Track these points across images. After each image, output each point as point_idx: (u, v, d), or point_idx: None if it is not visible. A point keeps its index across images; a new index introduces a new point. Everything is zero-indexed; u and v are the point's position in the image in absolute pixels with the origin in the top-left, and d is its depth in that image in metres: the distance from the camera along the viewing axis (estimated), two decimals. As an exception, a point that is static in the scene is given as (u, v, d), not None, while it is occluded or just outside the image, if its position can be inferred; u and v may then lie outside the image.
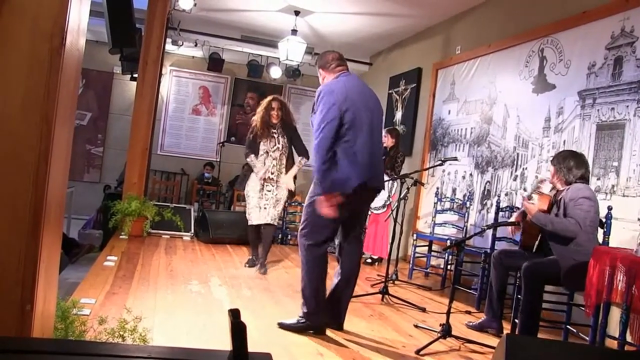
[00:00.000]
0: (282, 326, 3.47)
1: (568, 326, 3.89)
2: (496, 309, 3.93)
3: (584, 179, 3.68)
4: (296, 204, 7.66)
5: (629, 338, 3.05)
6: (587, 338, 3.58)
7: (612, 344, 3.27)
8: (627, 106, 4.07)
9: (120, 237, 6.12)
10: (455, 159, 5.12)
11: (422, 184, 6.37)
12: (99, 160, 10.25)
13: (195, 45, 9.35)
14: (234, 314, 0.95)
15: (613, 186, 4.11)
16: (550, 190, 3.96)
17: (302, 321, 3.43)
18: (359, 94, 3.42)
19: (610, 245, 3.63)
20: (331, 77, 3.52)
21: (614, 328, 3.28)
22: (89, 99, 10.07)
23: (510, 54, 5.56)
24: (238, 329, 0.94)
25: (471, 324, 4.05)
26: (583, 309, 3.59)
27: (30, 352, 0.85)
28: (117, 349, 0.97)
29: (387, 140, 6.28)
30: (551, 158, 3.89)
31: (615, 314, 3.22)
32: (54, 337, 1.92)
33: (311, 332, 3.42)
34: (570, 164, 3.66)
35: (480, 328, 3.97)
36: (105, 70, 10.04)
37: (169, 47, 8.83)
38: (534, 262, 3.57)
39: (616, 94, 4.18)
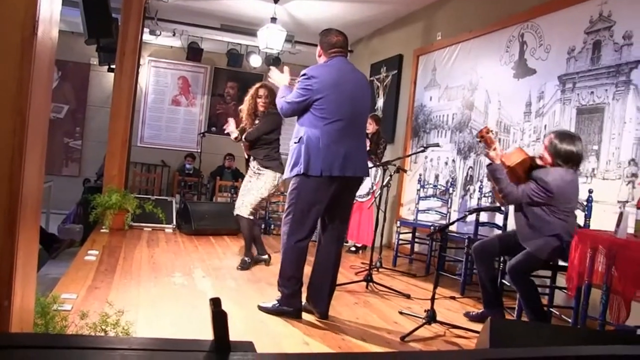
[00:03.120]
0: (261, 309, 3.60)
1: (551, 309, 3.93)
2: (493, 299, 3.87)
3: (570, 162, 3.54)
4: (279, 193, 7.63)
5: (609, 318, 3.10)
6: (570, 320, 3.62)
7: (594, 325, 3.31)
8: (606, 90, 4.10)
9: (101, 230, 6.05)
10: (437, 144, 5.13)
11: (405, 171, 6.37)
12: (78, 154, 10.12)
13: (174, 35, 9.25)
14: (215, 303, 0.93)
15: (593, 169, 4.14)
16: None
17: (277, 305, 3.55)
18: (344, 81, 3.45)
19: (591, 227, 3.66)
20: (324, 59, 3.56)
21: (595, 309, 3.31)
22: (66, 91, 9.92)
23: (491, 40, 5.57)
24: (219, 318, 0.92)
25: (472, 314, 4.00)
26: (565, 291, 3.64)
27: (6, 347, 0.83)
28: (98, 342, 0.95)
29: (370, 126, 6.26)
30: (550, 135, 3.64)
31: (597, 295, 3.25)
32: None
33: (288, 315, 3.50)
34: (563, 145, 3.52)
35: (480, 319, 3.92)
36: (81, 61, 9.89)
37: (146, 37, 8.72)
38: (517, 262, 3.52)
39: (595, 78, 4.21)
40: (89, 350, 0.88)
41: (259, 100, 4.97)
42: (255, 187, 4.96)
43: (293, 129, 3.55)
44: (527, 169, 3.59)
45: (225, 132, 5.28)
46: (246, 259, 5.04)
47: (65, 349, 0.90)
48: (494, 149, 3.67)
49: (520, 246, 3.62)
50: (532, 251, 3.52)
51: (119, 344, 0.90)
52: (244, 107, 5.06)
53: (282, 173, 4.99)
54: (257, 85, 5.09)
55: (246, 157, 5.18)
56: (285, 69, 3.80)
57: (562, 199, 3.45)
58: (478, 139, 3.77)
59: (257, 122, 5.01)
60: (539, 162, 3.63)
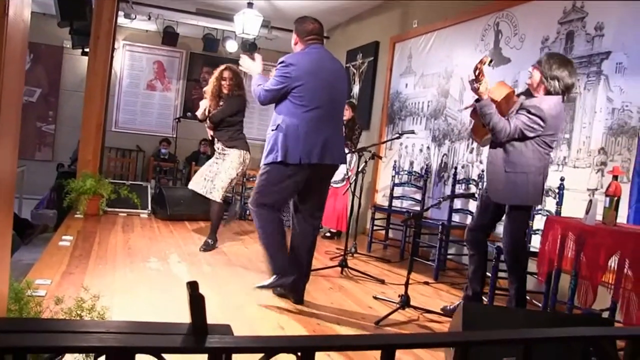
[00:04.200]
0: (262, 287, 3.56)
1: (522, 293, 4.01)
2: (479, 291, 3.72)
3: (565, 92, 3.39)
4: (254, 179, 7.62)
5: (577, 302, 3.18)
6: (540, 304, 3.72)
7: (563, 309, 3.40)
8: (578, 80, 4.16)
9: (76, 216, 5.99)
10: (412, 132, 5.16)
11: (380, 158, 6.42)
12: (51, 138, 9.95)
13: (149, 19, 9.11)
14: (192, 287, 0.95)
15: (564, 158, 4.22)
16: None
17: (277, 277, 3.51)
18: (322, 69, 3.45)
19: (562, 214, 3.75)
20: (301, 46, 3.55)
21: (564, 294, 3.41)
22: (38, 74, 9.72)
23: (467, 28, 5.61)
24: (196, 301, 0.94)
25: (450, 307, 3.75)
26: (536, 277, 3.72)
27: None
28: (74, 325, 0.96)
29: (345, 113, 6.27)
30: (538, 60, 3.47)
31: (566, 281, 3.34)
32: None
33: (285, 288, 3.56)
34: (563, 73, 3.32)
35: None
36: (54, 44, 9.68)
37: (121, 20, 8.57)
38: (508, 243, 3.45)
39: (568, 68, 4.27)
40: (66, 333, 0.89)
41: (223, 82, 4.99)
42: (223, 168, 4.99)
43: (268, 114, 3.54)
44: (510, 103, 3.46)
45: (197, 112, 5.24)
46: (209, 241, 5.11)
47: (41, 332, 0.91)
48: (485, 83, 3.45)
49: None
50: (513, 208, 3.41)
51: (96, 328, 0.91)
52: (208, 89, 5.07)
53: (248, 150, 5.06)
54: (222, 67, 5.08)
55: (210, 138, 5.20)
56: (257, 56, 3.76)
57: (551, 130, 3.32)
58: (475, 69, 3.47)
59: (221, 104, 5.02)
60: (531, 88, 3.45)
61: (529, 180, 3.35)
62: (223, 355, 0.91)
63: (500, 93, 3.42)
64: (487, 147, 3.62)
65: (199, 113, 5.15)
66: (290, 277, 3.51)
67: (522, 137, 3.33)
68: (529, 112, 3.29)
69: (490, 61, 3.47)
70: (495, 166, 3.47)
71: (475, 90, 3.49)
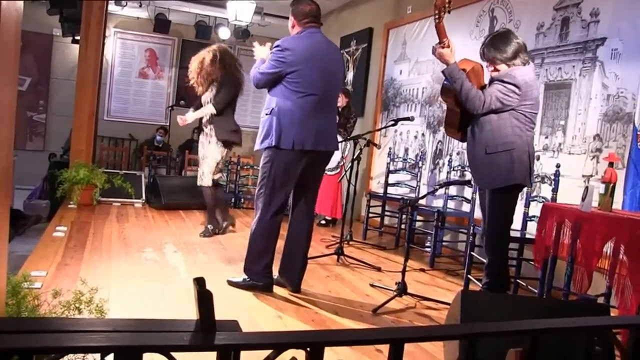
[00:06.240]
0: (230, 283, 3.61)
1: (518, 280, 4.03)
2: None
3: (520, 57, 3.23)
4: (249, 167, 7.60)
5: (572, 288, 3.20)
6: (536, 290, 3.73)
7: (558, 295, 3.42)
8: (574, 66, 4.16)
9: (69, 206, 5.95)
10: (408, 118, 5.12)
11: (376, 145, 6.39)
12: (42, 128, 9.86)
13: (140, 6, 9.02)
14: (200, 283, 0.94)
15: (560, 144, 4.23)
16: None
17: (248, 280, 3.56)
18: (318, 55, 3.42)
19: (558, 201, 3.76)
20: (298, 29, 3.49)
21: (560, 280, 3.42)
22: (28, 62, 9.59)
23: (462, 14, 5.58)
24: (204, 298, 0.93)
25: None
26: (532, 263, 3.73)
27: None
28: (80, 324, 0.95)
29: (340, 100, 6.25)
30: (489, 59, 3.29)
31: (562, 267, 3.35)
32: (5, 313, 1.86)
33: (259, 290, 3.52)
34: (513, 46, 3.20)
35: None
36: (44, 32, 9.55)
37: (112, 7, 8.48)
38: (489, 233, 3.35)
39: (563, 54, 4.27)
40: (73, 333, 0.88)
41: (207, 68, 4.88)
42: (209, 152, 5.00)
43: (261, 101, 3.51)
44: (480, 78, 3.30)
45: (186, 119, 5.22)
46: (209, 226, 5.16)
47: (48, 332, 0.90)
48: (448, 46, 3.19)
49: None
50: (498, 190, 3.23)
51: (103, 326, 0.90)
52: (193, 70, 4.94)
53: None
54: (202, 53, 4.94)
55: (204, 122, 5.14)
56: (267, 44, 3.71)
57: (528, 99, 3.14)
58: (436, 14, 3.17)
59: (213, 89, 4.95)
60: (493, 74, 3.27)
61: (513, 158, 3.15)
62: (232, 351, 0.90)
63: (468, 64, 3.27)
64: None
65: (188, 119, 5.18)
66: (260, 283, 3.53)
67: (500, 110, 3.13)
68: (502, 81, 3.13)
69: (449, 2, 3.14)
70: (476, 150, 3.28)
71: (441, 56, 3.23)
